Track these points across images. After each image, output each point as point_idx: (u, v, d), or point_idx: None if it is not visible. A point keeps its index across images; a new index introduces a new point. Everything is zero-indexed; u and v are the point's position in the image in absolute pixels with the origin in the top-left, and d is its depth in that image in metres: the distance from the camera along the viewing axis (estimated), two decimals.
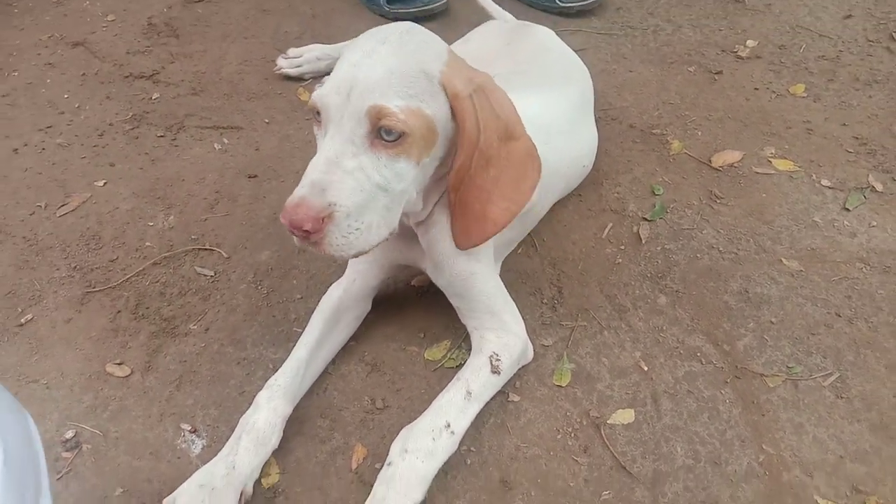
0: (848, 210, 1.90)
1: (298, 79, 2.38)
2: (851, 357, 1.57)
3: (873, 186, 1.96)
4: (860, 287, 1.71)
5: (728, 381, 1.52)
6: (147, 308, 1.65)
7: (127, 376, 1.52)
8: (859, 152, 2.08)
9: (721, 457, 1.39)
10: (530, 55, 1.91)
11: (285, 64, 2.37)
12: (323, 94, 1.15)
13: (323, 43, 2.44)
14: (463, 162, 1.22)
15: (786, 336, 1.60)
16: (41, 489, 0.81)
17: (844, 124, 2.18)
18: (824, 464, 1.39)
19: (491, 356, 1.41)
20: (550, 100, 1.71)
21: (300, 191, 1.12)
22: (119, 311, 1.65)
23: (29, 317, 1.63)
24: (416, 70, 1.16)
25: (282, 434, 1.35)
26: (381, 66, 1.13)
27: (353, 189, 1.13)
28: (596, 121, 1.96)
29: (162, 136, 2.15)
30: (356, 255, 1.21)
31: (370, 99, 1.11)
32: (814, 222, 1.86)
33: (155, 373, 1.52)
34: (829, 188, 1.96)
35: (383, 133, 1.13)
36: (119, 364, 1.54)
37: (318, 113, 1.17)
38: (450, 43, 2.09)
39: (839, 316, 1.65)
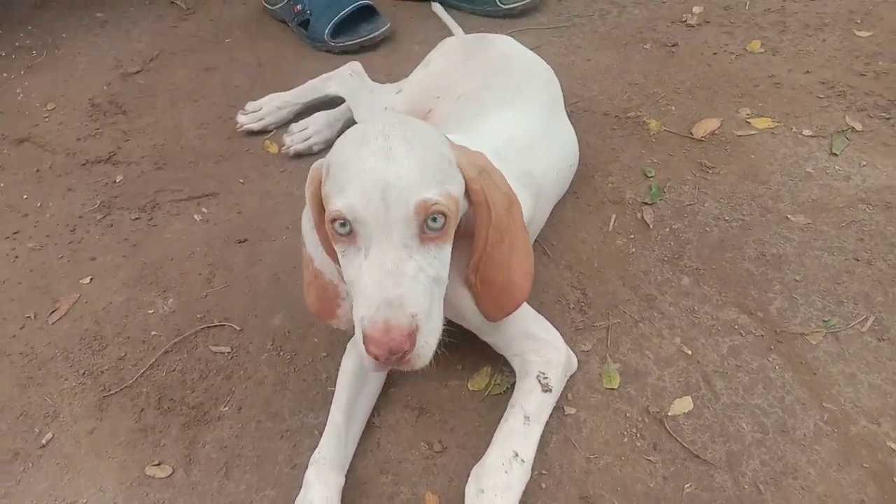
0: (836, 155, 1.92)
1: (262, 132, 2.32)
2: (881, 298, 1.58)
3: (852, 127, 1.99)
4: (869, 228, 1.73)
5: (771, 347, 1.52)
6: (171, 400, 1.58)
7: (170, 476, 1.44)
8: (829, 96, 2.12)
9: (787, 424, 1.39)
10: (493, 68, 1.88)
11: (246, 120, 2.31)
12: (353, 206, 1.07)
13: (276, 90, 2.38)
14: (482, 243, 1.20)
15: (813, 291, 1.61)
16: None
17: (808, 72, 2.22)
18: (886, 408, 1.40)
19: (538, 376, 1.39)
20: (524, 112, 1.68)
21: (378, 314, 1.04)
22: (142, 410, 1.57)
23: (49, 436, 1.55)
24: (438, 156, 1.13)
25: None
26: (407, 161, 1.08)
27: (422, 292, 1.09)
28: (569, 115, 1.96)
29: (137, 219, 2.07)
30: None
31: (414, 196, 1.07)
32: (807, 173, 1.89)
33: (198, 465, 1.45)
34: (812, 137, 1.99)
35: (430, 225, 1.09)
36: (158, 465, 1.46)
37: (343, 225, 1.10)
38: (407, 69, 2.09)
39: (857, 260, 1.66)
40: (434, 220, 1.09)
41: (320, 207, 1.18)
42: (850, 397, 1.42)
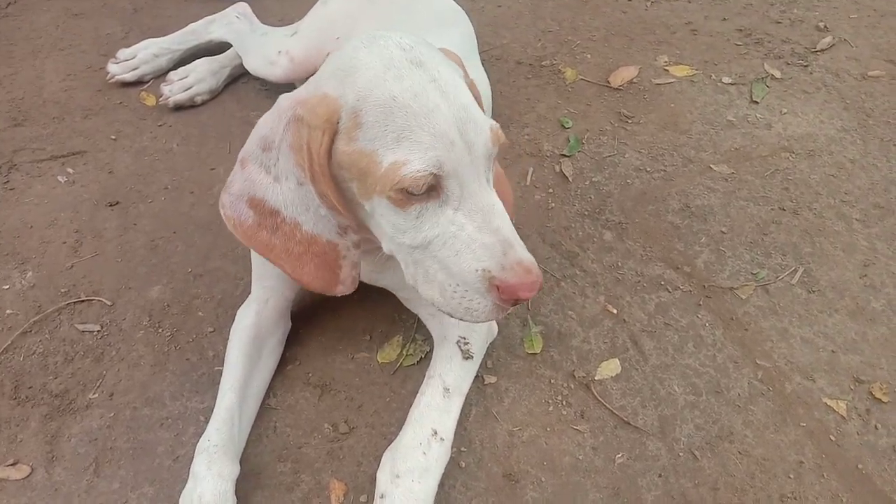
0: (756, 102, 1.85)
1: (138, 83, 2.06)
2: (809, 248, 1.52)
3: (772, 74, 1.93)
4: (793, 176, 1.66)
5: (700, 303, 1.43)
6: (30, 388, 1.35)
7: (27, 477, 1.23)
8: (747, 43, 2.05)
9: (720, 384, 1.30)
10: (399, 6, 1.72)
11: (118, 69, 2.04)
12: (440, 160, 0.92)
13: (154, 37, 2.12)
14: None
15: (740, 243, 1.53)
16: None
17: (724, 19, 2.15)
18: (820, 363, 1.33)
19: (458, 341, 1.24)
20: None
21: (508, 259, 0.96)
22: None
23: None
24: (462, 72, 1.02)
25: (235, 499, 1.12)
26: (461, 87, 0.97)
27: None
28: (482, 63, 1.81)
29: None
30: None
31: (485, 126, 0.96)
32: (728, 122, 1.81)
33: (62, 462, 1.24)
34: (732, 84, 1.91)
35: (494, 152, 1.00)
36: (13, 464, 1.24)
37: (430, 186, 0.94)
38: (303, 13, 1.88)
39: (783, 210, 1.59)
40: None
41: (326, 161, 0.97)
42: (784, 353, 1.34)
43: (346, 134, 0.94)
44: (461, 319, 1.02)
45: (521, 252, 0.96)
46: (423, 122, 0.91)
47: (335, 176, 0.99)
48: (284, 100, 0.99)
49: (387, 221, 0.99)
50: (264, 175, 1.01)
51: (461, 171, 0.94)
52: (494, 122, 0.98)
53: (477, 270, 0.96)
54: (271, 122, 1.00)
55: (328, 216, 1.02)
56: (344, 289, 1.09)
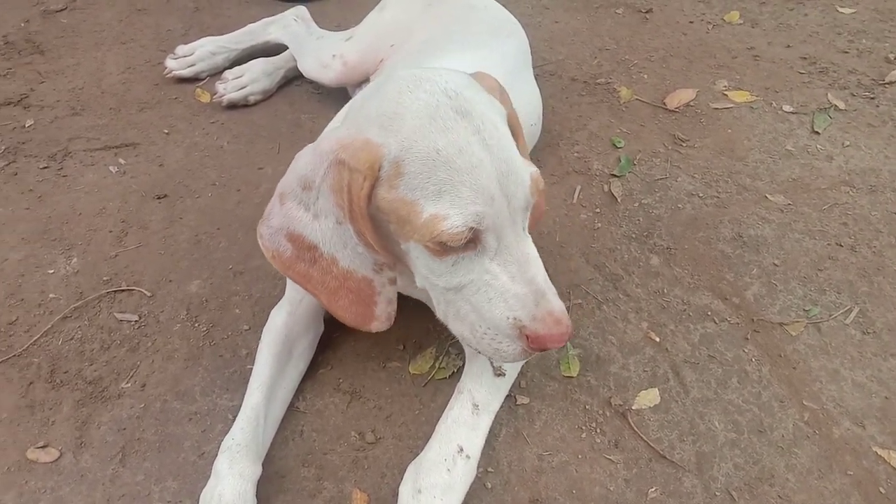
0: (818, 133, 1.79)
1: (194, 79, 2.09)
2: (865, 287, 1.45)
3: (835, 105, 1.86)
4: (853, 212, 1.59)
5: (748, 336, 1.37)
6: (65, 372, 1.36)
7: (56, 461, 1.23)
8: (811, 72, 1.98)
9: (763, 423, 1.24)
10: (455, 16, 1.71)
11: (175, 65, 2.07)
12: (482, 215, 0.92)
13: (213, 35, 2.15)
14: None
15: (793, 277, 1.47)
16: None
17: (788, 46, 2.08)
18: (871, 409, 1.26)
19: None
20: (484, 58, 1.52)
21: (540, 310, 0.97)
22: (31, 382, 1.35)
23: None
24: (503, 117, 1.01)
25: (255, 501, 1.11)
26: (503, 138, 0.96)
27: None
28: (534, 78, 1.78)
29: (46, 168, 1.82)
30: None
31: (525, 177, 0.97)
32: (787, 151, 1.74)
33: (90, 449, 1.24)
34: (793, 113, 1.85)
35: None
36: (43, 447, 1.25)
37: (470, 240, 0.95)
38: (360, 14, 1.88)
39: (840, 246, 1.53)
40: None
41: (365, 204, 0.97)
42: (833, 396, 1.28)
43: (388, 182, 0.94)
44: (489, 357, 1.03)
45: (554, 302, 0.97)
46: (465, 179, 0.91)
47: (373, 217, 0.99)
48: (325, 141, 0.99)
49: (422, 264, 1.00)
50: (303, 212, 1.02)
51: (499, 224, 0.94)
52: (535, 169, 0.98)
53: (508, 318, 0.97)
54: (312, 163, 0.99)
55: (365, 253, 1.01)
56: (379, 325, 1.09)
